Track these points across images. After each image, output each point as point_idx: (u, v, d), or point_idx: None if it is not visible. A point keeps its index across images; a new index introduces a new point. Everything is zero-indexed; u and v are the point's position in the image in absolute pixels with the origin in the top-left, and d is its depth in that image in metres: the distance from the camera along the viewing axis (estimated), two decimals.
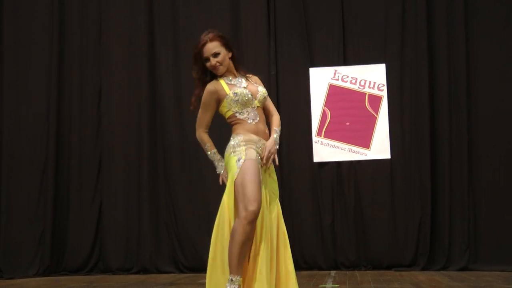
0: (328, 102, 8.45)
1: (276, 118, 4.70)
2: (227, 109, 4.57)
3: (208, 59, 4.58)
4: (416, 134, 8.35)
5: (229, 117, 4.61)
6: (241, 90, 4.51)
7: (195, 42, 8.85)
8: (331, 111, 8.42)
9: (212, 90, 4.59)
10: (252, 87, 4.59)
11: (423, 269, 8.06)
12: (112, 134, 8.85)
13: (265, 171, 4.48)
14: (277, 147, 4.55)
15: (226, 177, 4.57)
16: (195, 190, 8.66)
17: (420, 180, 8.26)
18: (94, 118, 8.90)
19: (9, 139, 8.84)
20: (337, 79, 8.44)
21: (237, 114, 4.55)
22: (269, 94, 8.33)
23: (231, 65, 4.64)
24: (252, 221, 4.24)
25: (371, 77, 8.40)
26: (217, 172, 4.70)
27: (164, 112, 8.79)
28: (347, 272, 8.07)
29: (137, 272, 8.54)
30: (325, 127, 8.36)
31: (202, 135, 4.76)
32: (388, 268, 8.18)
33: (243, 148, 4.45)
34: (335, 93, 8.43)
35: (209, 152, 4.71)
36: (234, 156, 4.45)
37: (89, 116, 8.92)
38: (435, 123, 8.32)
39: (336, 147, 8.35)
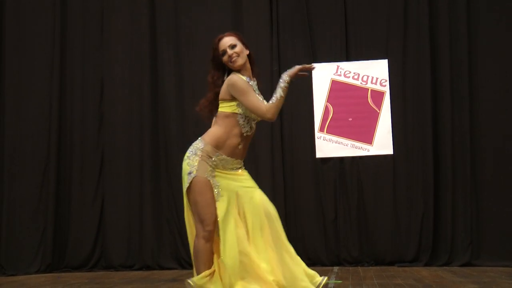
0: (331, 98, 8.48)
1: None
2: (234, 106, 4.51)
3: (225, 52, 4.52)
4: (418, 130, 8.38)
5: (225, 113, 4.53)
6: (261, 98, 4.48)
7: (196, 36, 9.03)
8: (334, 106, 8.46)
9: (246, 80, 4.49)
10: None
11: (426, 264, 8.10)
12: (114, 131, 8.89)
13: (233, 178, 4.50)
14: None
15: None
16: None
17: (422, 176, 8.29)
18: (96, 115, 8.95)
19: (11, 136, 8.88)
20: (340, 75, 8.48)
21: (239, 117, 4.52)
22: (271, 90, 8.43)
23: (248, 65, 4.58)
24: (210, 238, 4.42)
25: (373, 73, 8.43)
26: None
27: (166, 108, 8.83)
28: (350, 268, 8.11)
29: (140, 269, 8.58)
30: (327, 122, 8.40)
31: (271, 106, 4.49)
32: (391, 264, 8.22)
33: (198, 159, 4.47)
34: (337, 89, 8.46)
35: (283, 93, 4.53)
36: (188, 166, 4.50)
37: (91, 113, 8.96)
38: (437, 118, 8.36)
39: (339, 142, 8.39)
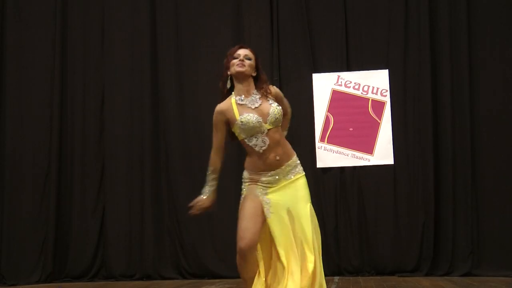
0: (331, 108, 8.55)
1: (288, 117, 4.93)
2: (238, 133, 4.64)
3: (238, 57, 4.63)
4: (419, 140, 8.41)
5: (241, 141, 4.67)
6: (248, 118, 4.53)
7: (197, 45, 9.04)
8: (334, 116, 8.53)
9: (219, 111, 4.64)
10: (264, 108, 4.59)
11: (426, 274, 8.13)
12: (115, 139, 8.95)
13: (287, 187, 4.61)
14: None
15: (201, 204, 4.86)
16: (197, 196, 8.72)
17: (423, 185, 8.33)
18: (97, 123, 9.01)
19: (12, 145, 8.94)
20: (340, 85, 8.54)
21: (246, 140, 4.60)
22: None
23: (252, 83, 4.67)
24: (241, 256, 4.51)
25: (374, 83, 8.50)
26: (201, 194, 4.83)
27: (167, 117, 8.89)
28: (351, 278, 8.14)
29: (140, 278, 8.62)
30: (328, 132, 8.46)
31: (211, 156, 4.78)
32: (392, 273, 8.26)
33: (247, 185, 4.66)
34: (338, 99, 8.53)
35: (208, 172, 4.80)
36: (242, 192, 4.70)
37: (92, 121, 9.03)
38: (438, 128, 8.40)
39: (339, 152, 8.45)
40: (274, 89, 4.75)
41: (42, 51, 9.11)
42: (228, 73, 4.67)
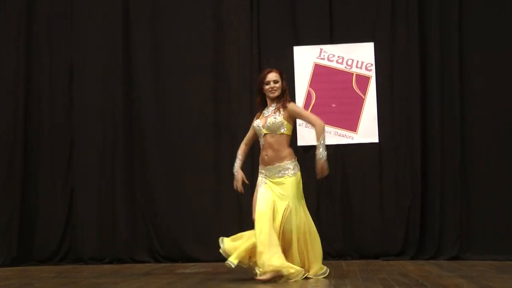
0: (313, 83, 8.50)
1: (316, 129, 6.32)
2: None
3: (269, 83, 6.38)
4: (406, 117, 8.40)
5: None
6: (255, 123, 6.47)
7: (173, 17, 8.97)
8: (316, 92, 8.48)
9: (255, 117, 6.60)
10: (268, 117, 6.39)
11: (412, 258, 8.17)
12: (85, 117, 8.87)
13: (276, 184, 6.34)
14: (324, 158, 6.30)
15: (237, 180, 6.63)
16: (173, 176, 8.70)
17: (410, 165, 8.33)
18: (66, 99, 8.90)
19: None
20: (323, 58, 8.49)
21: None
22: (251, 74, 8.43)
23: (280, 95, 6.42)
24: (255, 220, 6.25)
25: (358, 56, 8.46)
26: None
27: (141, 94, 8.82)
28: (333, 261, 8.11)
29: (111, 262, 8.59)
30: (310, 108, 8.38)
31: (241, 145, 6.77)
32: (376, 257, 8.27)
33: (259, 174, 6.49)
34: (320, 73, 8.48)
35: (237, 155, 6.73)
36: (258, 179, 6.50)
37: (60, 97, 8.92)
38: (426, 105, 8.39)
39: None
40: (291, 106, 6.39)
41: (6, 23, 8.98)
42: (263, 91, 6.47)
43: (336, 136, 8.38)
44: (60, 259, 8.70)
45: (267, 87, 6.40)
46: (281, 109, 6.35)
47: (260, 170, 6.45)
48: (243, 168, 6.62)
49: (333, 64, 8.48)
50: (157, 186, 8.69)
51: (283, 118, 6.33)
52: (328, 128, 8.33)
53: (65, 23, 9.00)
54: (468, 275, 6.49)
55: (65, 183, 8.82)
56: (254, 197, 6.37)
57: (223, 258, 8.40)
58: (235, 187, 6.58)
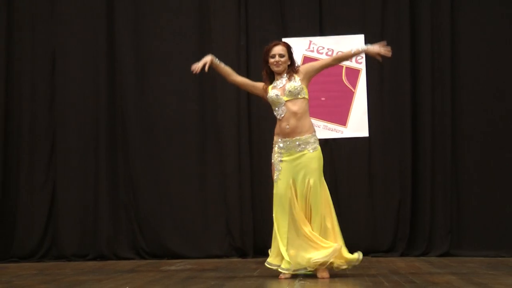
0: None
1: (340, 54, 6.73)
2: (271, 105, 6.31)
3: (274, 56, 6.23)
4: (396, 111, 8.39)
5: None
6: (271, 94, 6.24)
7: (155, 5, 8.85)
8: None
9: (264, 83, 6.41)
10: (286, 85, 6.20)
11: (402, 254, 8.16)
12: (67, 108, 8.75)
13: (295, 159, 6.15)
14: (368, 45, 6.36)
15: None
16: (157, 170, 8.64)
17: (400, 160, 8.31)
18: (48, 89, 8.79)
19: None
20: (312, 51, 8.43)
21: (274, 112, 6.28)
22: (238, 66, 8.38)
23: (286, 69, 6.30)
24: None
25: (348, 49, 8.36)
26: None
27: (124, 84, 8.71)
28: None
29: (94, 259, 8.52)
30: None
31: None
32: (365, 253, 8.13)
33: (275, 148, 6.30)
34: None
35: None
36: (273, 153, 6.35)
37: (42, 87, 8.81)
38: (416, 98, 8.36)
39: None
40: (302, 67, 6.34)
41: None
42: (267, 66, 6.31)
43: (325, 130, 8.33)
44: (42, 255, 8.60)
45: (271, 60, 6.25)
46: (295, 75, 6.23)
47: (276, 141, 6.26)
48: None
49: (323, 57, 8.40)
50: (141, 181, 8.63)
51: (301, 82, 6.21)
52: (317, 122, 8.30)
53: (46, 11, 8.87)
54: (458, 272, 6.53)
55: (47, 177, 8.72)
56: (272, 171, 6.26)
57: (209, 255, 8.43)
58: (193, 66, 6.35)
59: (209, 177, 8.56)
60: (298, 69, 6.29)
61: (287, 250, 6.06)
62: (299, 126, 6.14)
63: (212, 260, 8.22)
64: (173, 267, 7.53)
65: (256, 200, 8.46)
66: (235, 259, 8.32)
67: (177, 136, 8.64)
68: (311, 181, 6.06)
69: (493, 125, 8.27)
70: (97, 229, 8.59)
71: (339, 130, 8.35)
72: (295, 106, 6.14)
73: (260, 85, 6.39)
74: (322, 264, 5.99)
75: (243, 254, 8.41)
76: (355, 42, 8.36)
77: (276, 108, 6.22)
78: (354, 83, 8.38)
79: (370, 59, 8.31)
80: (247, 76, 8.37)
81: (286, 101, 6.15)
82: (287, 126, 6.13)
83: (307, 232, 6.05)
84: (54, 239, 8.68)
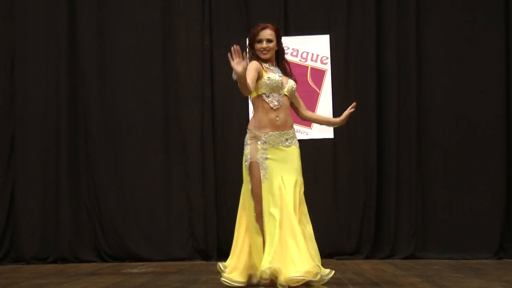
0: None
1: (318, 115, 6.74)
2: (259, 88, 5.68)
3: (261, 41, 5.74)
4: (361, 112, 8.32)
5: (254, 98, 5.76)
6: (274, 76, 5.69)
7: (121, 4, 8.80)
8: None
9: (256, 62, 5.71)
10: (284, 79, 5.78)
11: (367, 257, 8.18)
12: (27, 110, 8.67)
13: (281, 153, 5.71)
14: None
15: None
16: (120, 172, 8.59)
17: (364, 161, 8.34)
18: (6, 87, 8.71)
19: None
20: None
21: (264, 96, 5.70)
22: (202, 66, 8.39)
23: (274, 56, 5.85)
24: (259, 217, 5.70)
25: (313, 49, 8.42)
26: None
27: (86, 84, 8.65)
28: None
29: (54, 262, 8.45)
30: None
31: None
32: (330, 256, 8.24)
33: (248, 148, 5.71)
34: None
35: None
36: (243, 157, 5.76)
37: (2, 88, 8.71)
38: (382, 100, 8.40)
39: None
40: (295, 86, 5.91)
41: None
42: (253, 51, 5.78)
43: None
44: (0, 259, 8.51)
45: (258, 46, 5.74)
46: (288, 79, 5.83)
47: (256, 136, 5.69)
48: None
49: (288, 57, 8.32)
50: (104, 182, 8.57)
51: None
52: None
53: (4, 10, 8.78)
54: (423, 274, 6.58)
55: (6, 178, 8.64)
56: (254, 180, 5.65)
57: (172, 257, 8.41)
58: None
59: (172, 178, 8.53)
60: (294, 79, 5.90)
61: (270, 262, 5.44)
62: (289, 120, 5.77)
63: (175, 262, 8.21)
64: (135, 270, 7.50)
65: (220, 202, 8.44)
66: (198, 262, 8.30)
67: (140, 137, 8.59)
68: (299, 180, 5.83)
69: (458, 128, 8.32)
70: (57, 231, 8.51)
71: (304, 132, 8.36)
72: (287, 102, 5.79)
73: (256, 66, 5.69)
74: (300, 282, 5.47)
75: (206, 257, 8.39)
76: (320, 42, 8.40)
77: (272, 95, 5.71)
78: (319, 84, 8.41)
79: (335, 59, 8.40)
80: (211, 75, 8.42)
81: (285, 94, 5.77)
82: (277, 118, 5.70)
83: (300, 238, 5.69)
84: (13, 241, 8.59)
